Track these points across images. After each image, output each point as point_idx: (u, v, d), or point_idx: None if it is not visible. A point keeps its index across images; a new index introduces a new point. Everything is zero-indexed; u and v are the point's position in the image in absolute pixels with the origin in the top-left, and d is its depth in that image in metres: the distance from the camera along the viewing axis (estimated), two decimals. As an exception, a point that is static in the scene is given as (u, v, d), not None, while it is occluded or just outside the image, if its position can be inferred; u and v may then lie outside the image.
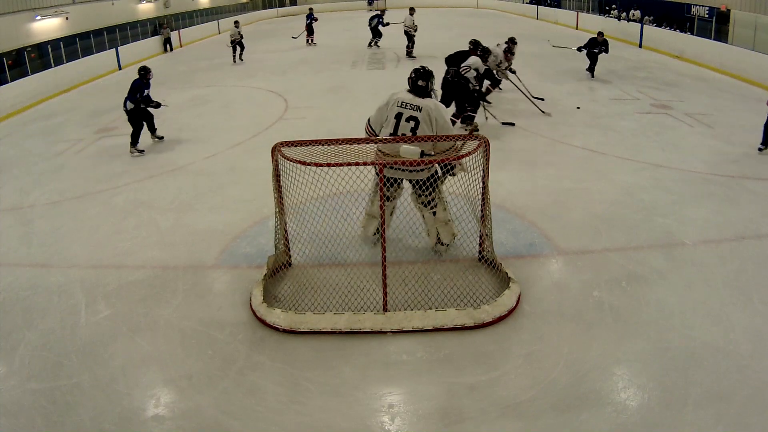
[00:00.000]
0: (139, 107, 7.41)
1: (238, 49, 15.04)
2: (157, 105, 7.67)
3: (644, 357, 3.28)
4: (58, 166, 7.11)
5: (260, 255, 4.46)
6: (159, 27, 19.23)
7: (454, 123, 6.76)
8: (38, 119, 10.03)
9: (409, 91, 4.15)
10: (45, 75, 12.10)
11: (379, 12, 16.16)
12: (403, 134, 4.04)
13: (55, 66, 12.80)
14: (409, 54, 14.25)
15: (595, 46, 10.83)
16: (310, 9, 18.77)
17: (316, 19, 17.56)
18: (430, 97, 4.18)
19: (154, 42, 18.09)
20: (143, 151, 7.49)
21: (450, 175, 4.23)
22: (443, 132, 4.07)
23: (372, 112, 4.29)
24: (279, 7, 32.87)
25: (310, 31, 17.38)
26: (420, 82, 4.12)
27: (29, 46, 13.95)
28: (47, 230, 5.26)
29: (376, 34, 16.03)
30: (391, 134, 4.08)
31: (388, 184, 4.35)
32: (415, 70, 4.19)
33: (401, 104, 4.09)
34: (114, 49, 15.26)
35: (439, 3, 31.25)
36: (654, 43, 14.72)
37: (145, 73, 7.50)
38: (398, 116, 4.08)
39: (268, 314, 3.65)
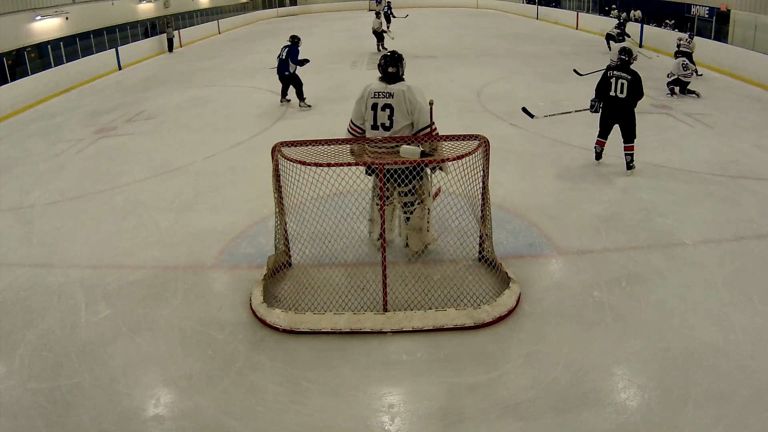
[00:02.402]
0: (294, 73, 8.99)
1: (382, 37, 15.68)
2: (303, 62, 9.20)
3: (644, 357, 3.28)
4: (58, 166, 7.10)
5: (260, 255, 4.46)
6: (160, 27, 19.24)
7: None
8: (38, 119, 10.03)
9: (381, 79, 4.09)
10: (45, 75, 12.10)
11: (621, 19, 14.53)
12: (382, 123, 4.00)
13: (55, 66, 12.79)
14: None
15: None
16: (388, 2, 20.09)
17: (393, 15, 19.50)
18: (402, 80, 4.10)
19: (155, 42, 18.08)
20: (311, 106, 9.19)
21: (437, 168, 4.13)
22: (419, 113, 3.99)
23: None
24: (279, 7, 32.88)
25: (388, 20, 18.80)
26: (390, 69, 4.06)
27: (29, 46, 13.97)
28: (47, 230, 5.26)
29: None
30: (372, 126, 4.05)
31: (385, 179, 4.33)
32: (384, 56, 4.12)
33: (375, 95, 4.05)
34: (114, 49, 15.26)
35: (439, 3, 31.25)
36: (654, 42, 14.71)
37: (299, 39, 9.11)
38: (374, 107, 4.04)
39: (268, 314, 3.65)
